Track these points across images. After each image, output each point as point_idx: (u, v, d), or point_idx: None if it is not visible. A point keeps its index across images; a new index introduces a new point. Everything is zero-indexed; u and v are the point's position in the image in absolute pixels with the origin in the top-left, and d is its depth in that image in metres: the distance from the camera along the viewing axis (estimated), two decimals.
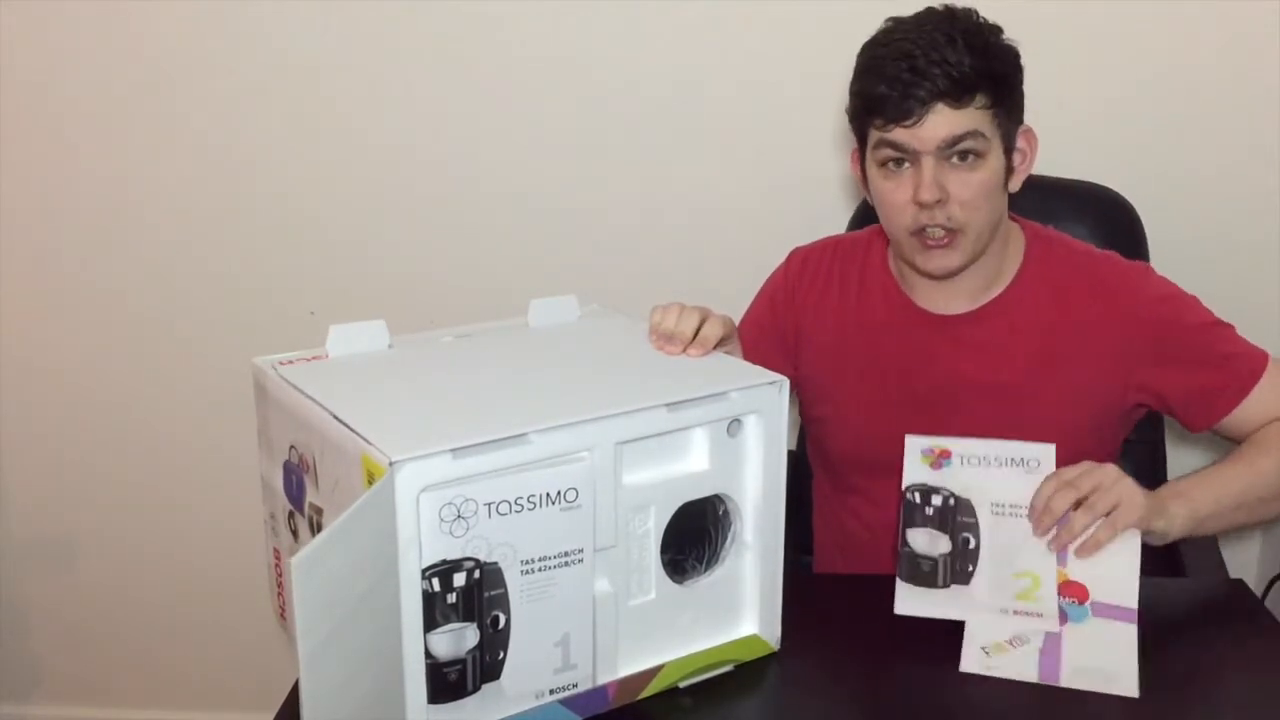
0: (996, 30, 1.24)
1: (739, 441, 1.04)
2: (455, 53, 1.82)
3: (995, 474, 1.16)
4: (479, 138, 1.86)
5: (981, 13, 1.26)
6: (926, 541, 1.15)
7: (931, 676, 1.07)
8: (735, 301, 1.42)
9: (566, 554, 0.95)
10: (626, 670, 1.02)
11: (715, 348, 1.14)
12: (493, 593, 0.93)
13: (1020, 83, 1.27)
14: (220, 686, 2.22)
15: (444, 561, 0.90)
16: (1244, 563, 1.95)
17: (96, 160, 1.92)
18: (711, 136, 1.83)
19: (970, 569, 1.15)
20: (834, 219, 1.71)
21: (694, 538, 1.05)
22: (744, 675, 1.08)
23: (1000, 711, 1.04)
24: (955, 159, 1.22)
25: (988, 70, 1.20)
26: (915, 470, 1.17)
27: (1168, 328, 1.31)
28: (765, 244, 1.56)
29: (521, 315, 1.21)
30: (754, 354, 1.30)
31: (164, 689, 2.24)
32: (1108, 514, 1.13)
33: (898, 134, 1.22)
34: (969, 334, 1.35)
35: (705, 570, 1.06)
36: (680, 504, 1.02)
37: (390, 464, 0.85)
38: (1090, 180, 1.64)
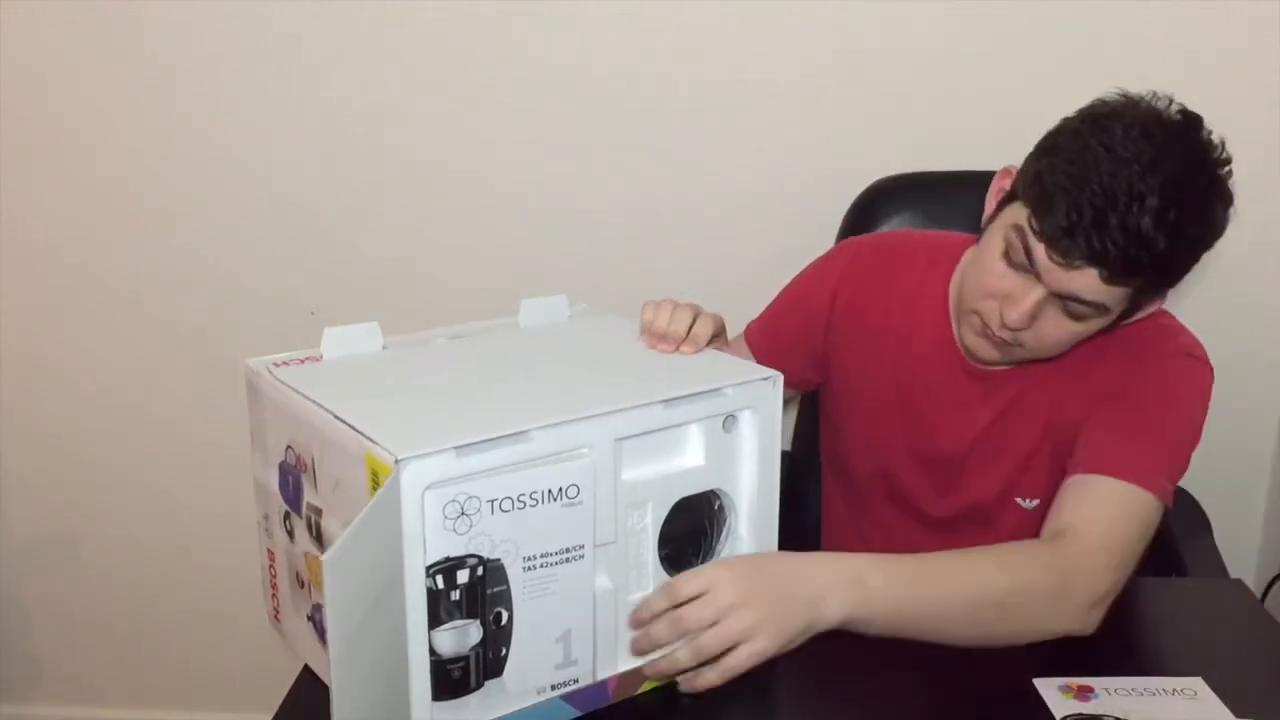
0: (1211, 193, 1.09)
1: (734, 437, 1.05)
2: (453, 53, 1.82)
3: (1150, 702, 1.03)
4: (479, 139, 1.86)
5: (1182, 102, 1.14)
6: None
7: (930, 677, 1.07)
8: (732, 302, 1.42)
9: (568, 550, 0.95)
10: (626, 665, 1.03)
11: (706, 346, 1.14)
12: (495, 589, 0.93)
13: (1196, 261, 1.12)
14: (220, 686, 2.23)
15: (448, 559, 0.90)
16: (1244, 563, 1.95)
17: (96, 160, 1.92)
18: (709, 137, 1.83)
19: None
20: (832, 219, 1.71)
21: (690, 533, 1.05)
22: (743, 674, 1.08)
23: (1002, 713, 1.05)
24: (1067, 306, 1.12)
25: (1168, 259, 1.06)
26: (1063, 708, 1.02)
27: (1129, 388, 1.20)
28: (762, 245, 1.56)
29: (513, 315, 1.22)
30: (774, 338, 1.27)
31: (164, 689, 2.24)
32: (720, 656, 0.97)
33: (1039, 255, 1.09)
34: (995, 388, 1.29)
35: (701, 565, 1.07)
36: (677, 499, 1.03)
37: (396, 462, 0.85)
38: None
